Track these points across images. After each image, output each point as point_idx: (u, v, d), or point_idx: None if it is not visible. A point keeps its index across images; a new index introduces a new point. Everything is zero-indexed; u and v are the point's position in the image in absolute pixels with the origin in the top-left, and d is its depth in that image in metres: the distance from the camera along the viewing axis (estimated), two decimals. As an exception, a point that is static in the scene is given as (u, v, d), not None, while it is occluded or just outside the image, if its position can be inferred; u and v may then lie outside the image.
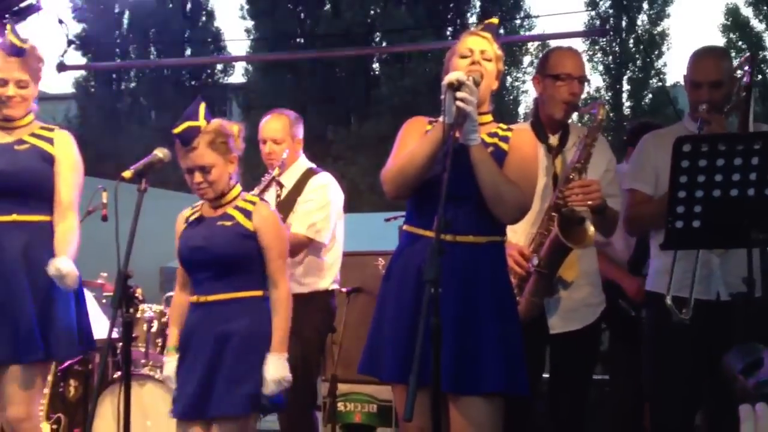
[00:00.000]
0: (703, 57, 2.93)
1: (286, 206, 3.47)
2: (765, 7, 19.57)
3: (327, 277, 3.55)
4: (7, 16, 7.31)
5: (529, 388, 2.39)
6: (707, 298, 2.81)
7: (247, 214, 2.78)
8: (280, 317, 2.75)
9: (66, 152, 2.92)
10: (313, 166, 3.62)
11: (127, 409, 2.49)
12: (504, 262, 2.51)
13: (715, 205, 2.37)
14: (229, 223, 2.76)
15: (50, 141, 2.91)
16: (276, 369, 2.68)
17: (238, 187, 2.85)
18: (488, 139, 2.44)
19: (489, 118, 2.54)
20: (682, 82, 2.99)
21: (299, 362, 3.10)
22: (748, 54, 3.05)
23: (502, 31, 2.59)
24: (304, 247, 3.44)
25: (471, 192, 2.35)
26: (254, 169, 3.96)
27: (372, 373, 2.48)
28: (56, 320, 2.78)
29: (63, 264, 2.74)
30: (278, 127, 3.55)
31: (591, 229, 2.70)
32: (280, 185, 3.55)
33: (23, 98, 2.89)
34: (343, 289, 4.64)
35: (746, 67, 2.87)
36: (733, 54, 16.20)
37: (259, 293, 2.76)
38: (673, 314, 2.69)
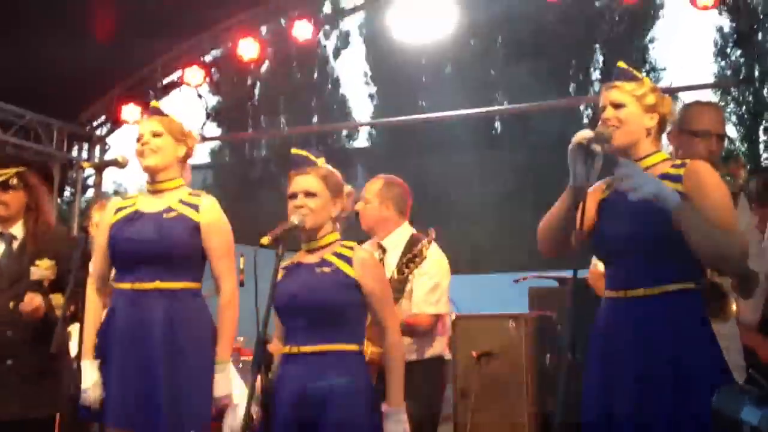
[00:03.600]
0: None
1: (404, 278, 3.42)
2: None
3: (442, 341, 3.60)
4: (151, 92, 7.88)
5: None
6: None
7: (348, 261, 2.66)
8: (394, 367, 2.62)
9: (211, 218, 2.93)
10: (414, 231, 3.62)
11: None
12: (695, 313, 2.27)
13: None
14: (328, 270, 2.65)
15: (196, 208, 2.94)
16: (396, 424, 2.56)
17: (337, 234, 2.75)
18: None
19: (658, 158, 2.38)
20: None
21: (416, 427, 3.04)
22: None
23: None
24: (433, 325, 3.48)
25: (635, 246, 2.27)
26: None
27: None
28: (186, 398, 2.75)
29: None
30: (370, 188, 3.63)
31: (734, 305, 2.53)
32: (383, 249, 3.56)
33: (157, 147, 2.92)
34: (474, 353, 4.57)
35: None
36: None
37: (355, 348, 2.62)
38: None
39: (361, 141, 23.65)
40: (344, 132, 22.54)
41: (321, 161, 2.77)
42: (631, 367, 2.22)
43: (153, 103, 3.16)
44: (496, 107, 19.15)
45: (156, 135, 2.95)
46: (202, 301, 2.94)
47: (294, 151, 2.79)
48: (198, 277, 2.95)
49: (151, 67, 7.73)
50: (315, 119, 22.03)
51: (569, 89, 19.30)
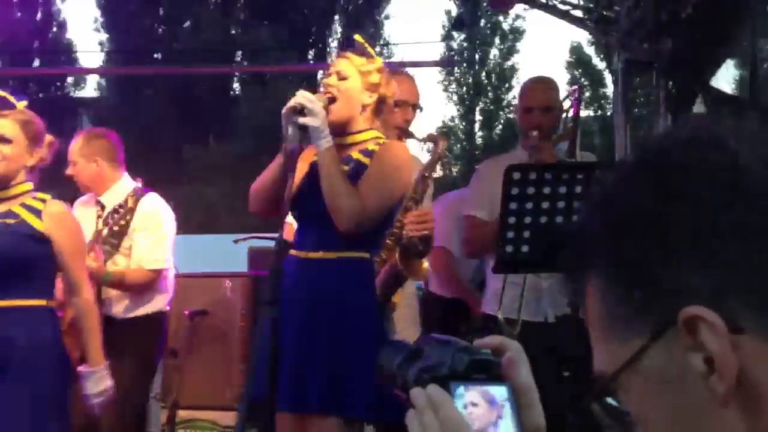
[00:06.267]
0: (534, 84, 3.13)
1: (118, 232, 3.30)
2: (604, 47, 21.10)
3: (162, 298, 3.48)
4: None
5: (366, 411, 2.31)
6: (536, 320, 2.92)
7: (37, 213, 2.54)
8: (90, 326, 2.60)
9: None
10: (137, 185, 3.48)
11: None
12: (360, 279, 2.43)
13: (542, 231, 2.48)
14: (12, 222, 2.52)
15: None
16: (96, 383, 2.58)
17: (29, 185, 2.60)
18: (355, 156, 2.44)
19: (369, 135, 2.48)
20: None
21: (125, 388, 2.96)
22: (576, 86, 3.26)
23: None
24: (152, 281, 3.36)
25: (322, 211, 2.35)
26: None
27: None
28: None
29: None
30: (73, 149, 3.38)
31: (426, 263, 2.76)
32: (102, 206, 3.40)
33: None
34: (186, 312, 4.51)
35: (574, 98, 3.05)
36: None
37: (42, 302, 2.52)
38: (505, 333, 2.78)
39: (89, 90, 22.10)
40: (70, 79, 20.90)
41: (21, 105, 2.60)
42: (296, 320, 2.33)
43: None
44: (234, 67, 18.91)
45: None
46: None
47: None
48: None
49: None
50: (36, 63, 20.18)
51: (308, 56, 19.59)
